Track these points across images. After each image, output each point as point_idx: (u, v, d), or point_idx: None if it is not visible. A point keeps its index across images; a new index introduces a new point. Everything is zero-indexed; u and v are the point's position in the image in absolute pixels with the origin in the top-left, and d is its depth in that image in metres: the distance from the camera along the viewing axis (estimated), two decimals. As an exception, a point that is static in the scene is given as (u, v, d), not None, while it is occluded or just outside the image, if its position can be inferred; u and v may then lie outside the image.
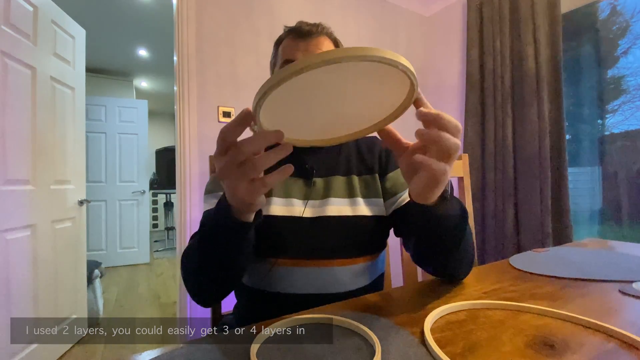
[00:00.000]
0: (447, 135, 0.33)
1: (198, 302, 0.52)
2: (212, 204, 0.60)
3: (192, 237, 0.58)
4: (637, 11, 1.56)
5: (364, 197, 0.62)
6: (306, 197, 0.61)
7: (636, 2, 1.56)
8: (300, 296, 0.57)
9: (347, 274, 0.58)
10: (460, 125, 0.35)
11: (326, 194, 0.61)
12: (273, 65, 0.67)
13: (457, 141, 0.34)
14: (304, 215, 0.59)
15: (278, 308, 0.45)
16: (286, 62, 0.61)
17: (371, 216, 0.61)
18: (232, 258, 0.46)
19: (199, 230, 0.47)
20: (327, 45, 0.62)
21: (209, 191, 0.63)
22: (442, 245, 0.47)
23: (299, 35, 0.61)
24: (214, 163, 0.34)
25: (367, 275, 0.61)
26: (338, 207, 0.60)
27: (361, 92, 0.33)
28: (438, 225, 0.44)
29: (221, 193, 0.60)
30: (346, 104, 0.34)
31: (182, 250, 1.56)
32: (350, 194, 0.62)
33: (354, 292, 0.58)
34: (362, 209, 0.61)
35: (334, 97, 0.34)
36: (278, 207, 0.59)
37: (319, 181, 0.63)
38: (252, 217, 0.42)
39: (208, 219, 0.46)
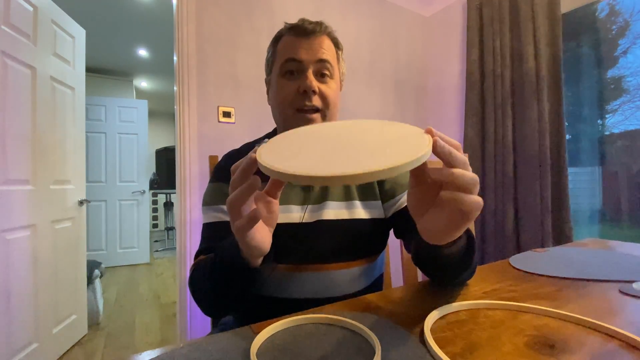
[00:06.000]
0: (458, 172, 0.30)
1: (208, 316, 0.53)
2: (211, 217, 0.60)
3: (197, 255, 0.58)
4: (635, 11, 1.56)
5: (361, 200, 0.62)
6: (304, 202, 0.60)
7: (634, 1, 1.56)
8: (299, 301, 0.56)
9: (345, 277, 0.58)
10: (456, 144, 0.32)
11: (323, 197, 0.61)
12: (271, 62, 0.64)
13: (471, 174, 0.30)
14: (303, 221, 0.58)
15: (277, 313, 0.45)
16: (289, 60, 0.59)
17: (369, 219, 0.60)
18: (241, 292, 0.46)
19: (210, 267, 0.47)
20: (328, 44, 0.61)
21: (207, 203, 0.62)
22: (448, 274, 0.47)
23: (302, 33, 0.59)
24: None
25: (365, 278, 0.61)
26: (335, 210, 0.60)
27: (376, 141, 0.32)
28: (444, 262, 0.43)
29: (219, 205, 0.60)
30: (360, 145, 0.32)
31: (182, 251, 1.55)
32: (348, 197, 0.62)
33: (353, 295, 0.58)
34: (360, 212, 0.60)
35: (347, 141, 0.33)
36: None
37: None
38: (259, 261, 0.42)
39: (219, 254, 0.46)
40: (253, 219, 0.33)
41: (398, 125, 0.35)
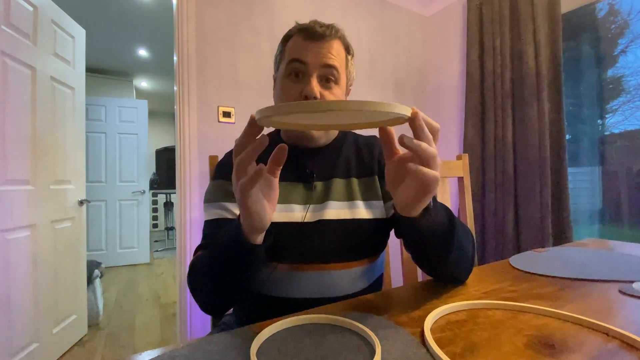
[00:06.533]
0: (424, 145, 0.35)
1: (207, 313, 0.53)
2: (213, 214, 0.60)
3: (196, 250, 0.57)
4: (635, 10, 1.56)
5: (363, 199, 0.62)
6: (307, 202, 0.60)
7: (633, 1, 1.56)
8: (299, 300, 0.56)
9: (346, 277, 0.58)
10: (437, 126, 0.38)
11: (325, 197, 0.61)
12: (279, 61, 0.64)
13: (433, 150, 0.36)
14: (305, 220, 0.58)
15: (277, 312, 0.45)
16: (294, 60, 0.59)
17: (370, 219, 0.60)
18: (242, 278, 0.46)
19: (211, 250, 0.48)
20: (337, 49, 0.60)
21: (208, 200, 0.62)
22: (433, 253, 0.48)
23: (311, 36, 0.58)
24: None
25: (366, 278, 0.61)
26: (337, 210, 0.59)
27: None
28: (424, 236, 0.45)
29: (221, 202, 0.60)
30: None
31: (182, 251, 1.55)
32: (350, 197, 0.61)
33: (353, 295, 0.58)
34: (361, 212, 0.60)
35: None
36: (276, 214, 0.58)
37: (319, 185, 0.62)
38: (260, 238, 0.43)
39: (219, 239, 0.47)
40: (258, 174, 0.35)
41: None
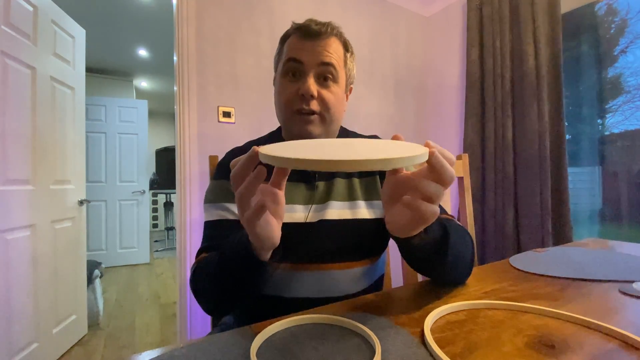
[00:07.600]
0: (434, 186, 0.33)
1: (209, 314, 0.53)
2: (214, 214, 0.60)
3: (199, 252, 0.57)
4: (634, 10, 1.56)
5: (365, 199, 0.62)
6: (309, 202, 0.60)
7: (632, 1, 1.56)
8: (301, 300, 0.56)
9: (348, 277, 0.58)
10: (453, 160, 0.35)
11: (327, 197, 0.61)
12: (277, 61, 0.65)
13: (440, 188, 0.33)
14: (307, 221, 0.58)
15: (278, 312, 0.45)
16: (290, 60, 0.58)
17: (372, 219, 0.60)
18: (249, 288, 0.46)
19: (217, 259, 0.47)
20: (335, 47, 0.59)
21: (209, 200, 0.62)
22: (426, 264, 0.48)
23: (307, 34, 0.58)
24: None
25: (367, 278, 0.61)
26: (338, 210, 0.59)
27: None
28: (416, 253, 0.45)
29: (222, 203, 0.60)
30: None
31: (182, 251, 1.55)
32: (351, 197, 0.61)
33: (354, 295, 0.58)
34: (363, 212, 0.60)
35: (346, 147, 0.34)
36: None
37: (321, 185, 0.62)
38: (269, 254, 0.43)
39: (227, 249, 0.46)
40: (261, 209, 0.34)
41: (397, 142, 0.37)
